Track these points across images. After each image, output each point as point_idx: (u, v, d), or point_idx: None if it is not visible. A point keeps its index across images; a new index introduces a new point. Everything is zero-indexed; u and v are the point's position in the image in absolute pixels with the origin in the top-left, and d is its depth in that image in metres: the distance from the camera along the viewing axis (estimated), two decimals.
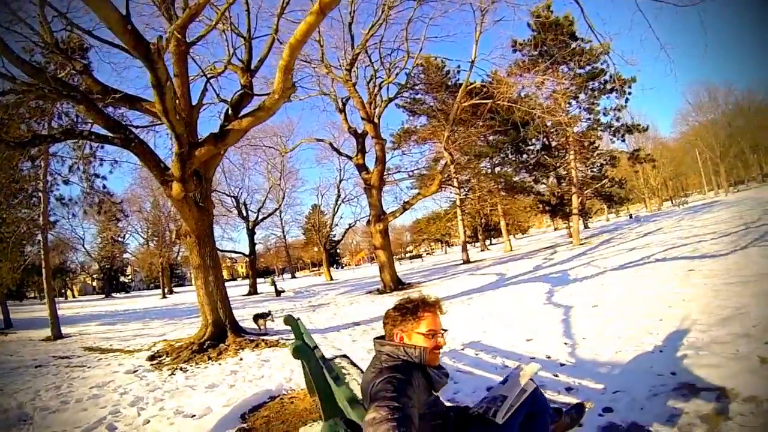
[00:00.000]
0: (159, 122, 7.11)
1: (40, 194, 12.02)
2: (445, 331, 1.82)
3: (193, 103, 7.49)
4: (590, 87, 22.55)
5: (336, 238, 42.36)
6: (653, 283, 7.45)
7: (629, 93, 22.37)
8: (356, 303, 12.78)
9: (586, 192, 23.84)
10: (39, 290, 30.76)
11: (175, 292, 40.43)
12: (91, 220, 32.08)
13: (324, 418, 2.42)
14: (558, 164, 24.48)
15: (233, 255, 36.31)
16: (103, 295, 42.50)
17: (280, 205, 32.84)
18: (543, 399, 2.12)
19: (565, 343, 5.04)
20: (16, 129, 7.42)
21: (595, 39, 6.07)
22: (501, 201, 28.98)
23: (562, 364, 4.25)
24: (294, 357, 2.48)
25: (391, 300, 11.84)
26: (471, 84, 15.98)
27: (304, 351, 2.46)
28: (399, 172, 23.94)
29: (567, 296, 7.91)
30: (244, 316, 8.80)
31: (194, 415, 3.92)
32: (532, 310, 7.28)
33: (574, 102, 22.49)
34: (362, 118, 16.20)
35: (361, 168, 16.97)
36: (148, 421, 3.89)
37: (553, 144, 25.31)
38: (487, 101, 16.00)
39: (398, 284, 15.59)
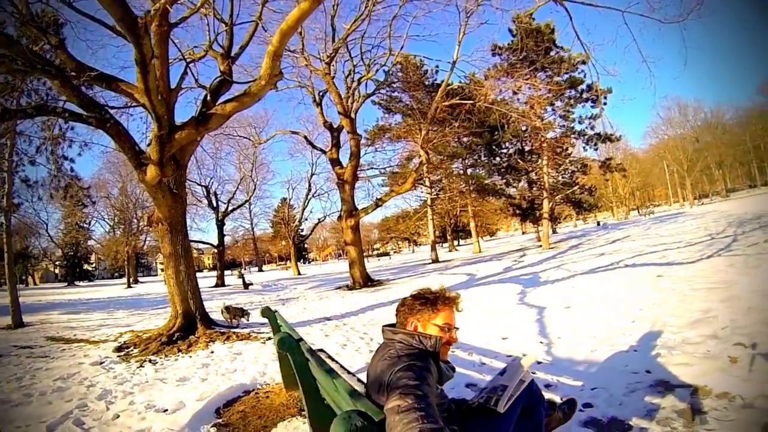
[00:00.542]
0: (134, 104, 6.82)
1: (5, 174, 11.35)
2: (457, 328, 1.80)
3: (172, 87, 7.23)
4: (567, 95, 23.01)
5: (304, 233, 42.00)
6: (624, 287, 7.65)
7: (605, 103, 23.08)
8: (326, 298, 12.67)
9: (557, 197, 24.38)
10: None
11: (141, 282, 39.21)
12: (56, 205, 30.77)
13: (308, 413, 2.33)
14: (530, 168, 24.87)
15: (201, 246, 35.56)
16: (66, 283, 40.89)
17: (250, 197, 32.41)
18: (539, 391, 2.15)
19: (541, 342, 5.13)
20: None
21: (581, 47, 6.23)
22: (472, 202, 29.32)
23: (539, 362, 4.31)
24: (279, 349, 2.38)
25: (361, 296, 12.03)
26: (450, 84, 16.10)
27: (289, 343, 2.37)
28: (371, 168, 24.20)
29: (539, 297, 8.03)
30: (212, 308, 8.56)
31: (166, 410, 3.74)
32: (505, 309, 7.34)
33: (550, 108, 22.89)
34: (339, 113, 16.05)
35: (335, 163, 16.85)
36: (118, 416, 3.68)
37: (527, 148, 25.73)
38: (467, 102, 16.17)
39: (368, 281, 15.55)
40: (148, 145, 7.08)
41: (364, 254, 17.58)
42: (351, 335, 6.69)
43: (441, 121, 19.94)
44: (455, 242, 44.13)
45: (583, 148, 25.22)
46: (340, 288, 15.41)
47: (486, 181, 28.58)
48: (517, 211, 29.02)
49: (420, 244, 66.63)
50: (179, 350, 6.08)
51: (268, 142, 24.88)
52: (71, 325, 10.02)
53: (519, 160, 25.12)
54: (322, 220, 37.10)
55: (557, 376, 3.87)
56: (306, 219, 37.57)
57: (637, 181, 53.87)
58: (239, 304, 10.23)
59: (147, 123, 8.99)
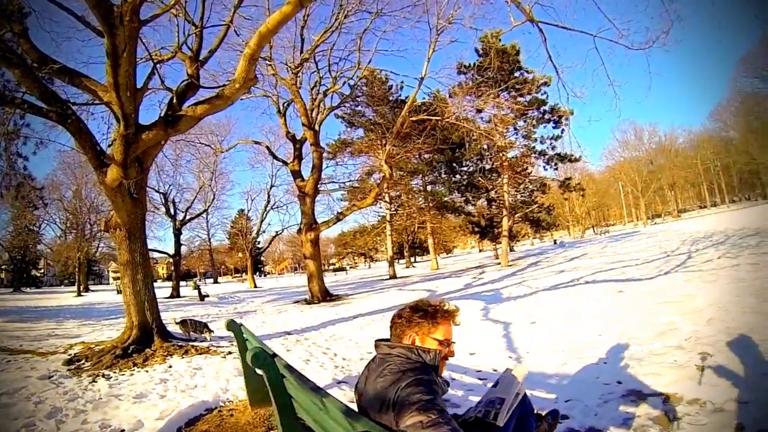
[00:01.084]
0: (97, 102, 6.47)
1: None
2: (454, 342, 1.74)
3: (138, 87, 6.92)
4: (530, 115, 23.69)
5: (261, 246, 41.22)
6: (586, 303, 7.83)
7: (567, 124, 24.01)
8: (285, 312, 12.39)
9: (516, 215, 24.91)
10: None
11: (92, 291, 37.04)
12: (6, 205, 28.83)
13: None
14: (491, 187, 25.31)
15: (155, 255, 34.17)
16: (12, 289, 38.22)
17: (208, 207, 31.69)
18: (530, 403, 2.12)
19: (510, 357, 5.14)
20: None
21: (553, 68, 6.40)
22: (431, 219, 29.51)
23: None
24: (252, 365, 2.19)
25: (321, 311, 11.86)
26: (415, 101, 16.29)
27: (264, 358, 2.20)
28: (332, 182, 23.94)
29: (503, 313, 8.06)
30: (167, 320, 8.12)
31: (123, 430, 3.44)
32: (470, 325, 7.27)
33: (512, 128, 23.46)
34: (303, 124, 15.93)
35: (296, 175, 16.66)
36: None
37: (488, 167, 26.19)
38: (434, 117, 16.41)
39: (326, 295, 15.35)
40: (109, 145, 6.72)
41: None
42: (314, 350, 6.50)
43: (405, 136, 20.11)
44: (412, 259, 44.37)
45: (544, 167, 25.96)
46: (298, 302, 15.16)
47: (446, 198, 28.86)
48: (476, 229, 29.33)
49: (376, 260, 67.19)
50: (135, 364, 5.69)
51: (229, 152, 24.50)
52: (17, 335, 9.23)
53: (480, 178, 25.56)
54: (280, 233, 36.56)
55: (530, 389, 3.83)
56: (264, 231, 36.99)
57: (593, 201, 55.97)
58: (196, 317, 9.81)
59: (109, 123, 8.56)
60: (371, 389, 1.52)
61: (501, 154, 23.33)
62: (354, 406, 1.68)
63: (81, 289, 31.76)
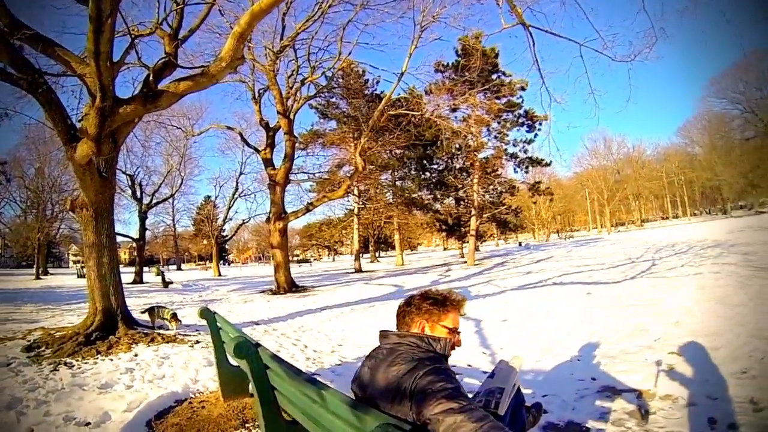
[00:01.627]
0: (69, 74, 6.11)
1: None
2: (460, 332, 1.72)
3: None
4: (504, 117, 23.98)
5: (226, 234, 40.48)
6: (556, 303, 8.02)
7: (539, 129, 24.34)
8: (251, 302, 12.14)
9: (484, 215, 25.21)
10: None
11: (51, 274, 35.29)
12: None
13: (264, 426, 2.09)
14: (460, 186, 25.58)
15: (119, 239, 32.88)
16: None
17: (175, 191, 30.93)
18: (522, 394, 2.13)
19: (484, 353, 5.19)
20: None
21: (537, 72, 6.49)
22: (398, 215, 29.57)
23: (485, 372, 4.31)
24: (235, 356, 2.09)
25: (287, 302, 11.73)
26: (392, 95, 16.30)
27: (248, 349, 2.10)
28: (302, 172, 23.78)
29: (474, 310, 8.04)
30: (131, 306, 7.80)
31: (89, 423, 3.22)
32: None
33: (485, 129, 23.74)
34: (278, 112, 15.61)
35: (268, 163, 16.40)
36: (32, 430, 3.12)
37: (458, 166, 26.44)
38: (412, 113, 16.46)
39: (292, 286, 15.16)
40: (80, 120, 6.38)
41: None
42: (283, 341, 6.37)
43: (379, 130, 20.07)
44: (377, 254, 44.54)
45: (514, 170, 26.38)
46: (264, 292, 14.92)
47: (414, 195, 28.91)
48: (444, 227, 29.44)
49: (340, 253, 66.77)
50: (98, 352, 5.40)
51: (200, 136, 23.94)
52: None
53: (450, 177, 25.75)
54: (247, 222, 36.15)
55: None
56: (230, 219, 36.46)
57: (559, 206, 57.19)
58: (160, 303, 9.51)
59: (80, 97, 8.14)
60: (381, 380, 1.46)
61: (473, 154, 23.57)
62: None
63: (40, 271, 30.28)
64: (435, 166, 27.96)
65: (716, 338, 4.27)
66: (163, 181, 28.57)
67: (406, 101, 18.20)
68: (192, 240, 52.19)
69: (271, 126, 16.54)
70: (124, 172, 24.40)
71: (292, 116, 16.07)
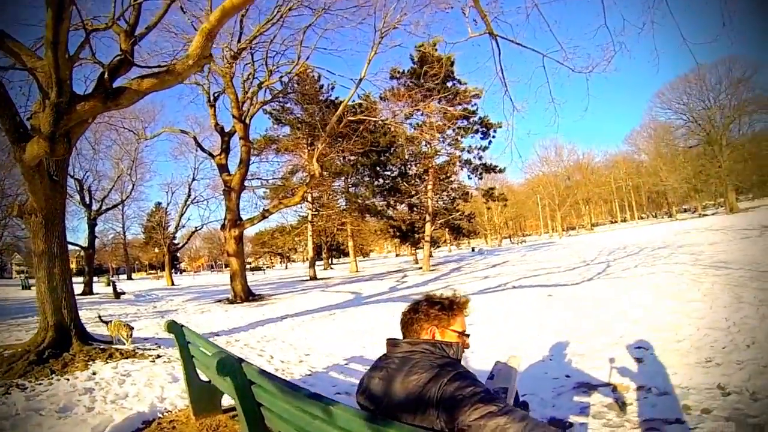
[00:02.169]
0: (18, 67, 5.65)
1: None
2: (468, 335, 1.68)
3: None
4: (459, 125, 24.28)
5: (177, 241, 39.16)
6: (518, 306, 8.20)
7: (494, 136, 25.15)
8: (208, 312, 11.75)
9: (438, 221, 25.51)
10: None
11: None
12: None
13: None
14: (414, 192, 25.79)
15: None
16: None
17: (126, 197, 29.78)
18: (518, 394, 2.13)
19: None
20: None
21: (501, 81, 6.66)
22: (352, 221, 29.61)
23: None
24: (219, 374, 1.97)
25: (246, 311, 11.45)
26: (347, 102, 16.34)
27: (231, 365, 1.98)
28: (256, 178, 23.49)
29: None
30: (83, 320, 7.25)
31: None
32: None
33: (440, 135, 23.81)
34: (233, 116, 15.31)
35: (223, 168, 16.07)
36: None
37: (411, 172, 26.72)
38: (372, 119, 16.55)
39: (249, 295, 14.82)
40: (29, 118, 5.93)
41: None
42: (247, 352, 6.16)
43: (335, 136, 20.08)
44: (330, 260, 44.48)
45: (468, 176, 26.89)
46: (220, 301, 14.47)
47: (368, 201, 28.92)
48: (397, 233, 29.57)
49: (293, 261, 65.98)
50: (53, 371, 4.96)
51: (152, 140, 23.07)
52: None
53: (403, 183, 25.96)
54: (200, 229, 34.76)
55: None
56: (183, 226, 35.08)
57: (511, 212, 59.06)
58: (113, 316, 9.12)
59: (29, 94, 7.61)
60: (400, 390, 1.40)
61: (427, 161, 23.91)
62: None
63: None
64: (389, 173, 28.04)
65: (678, 332, 4.52)
66: (113, 186, 27.10)
67: (361, 107, 18.39)
68: (143, 248, 50.25)
69: (226, 131, 16.18)
70: (72, 176, 22.94)
71: (248, 121, 15.77)
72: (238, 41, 14.10)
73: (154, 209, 40.49)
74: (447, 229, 30.84)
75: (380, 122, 16.17)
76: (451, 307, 1.63)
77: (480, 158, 25.51)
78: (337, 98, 26.56)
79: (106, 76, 6.07)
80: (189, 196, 31.08)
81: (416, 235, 27.88)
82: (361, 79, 14.51)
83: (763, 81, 38.71)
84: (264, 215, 16.29)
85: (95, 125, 19.91)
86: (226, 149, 16.22)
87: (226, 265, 16.56)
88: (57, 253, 6.33)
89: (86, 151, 23.43)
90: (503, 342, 5.59)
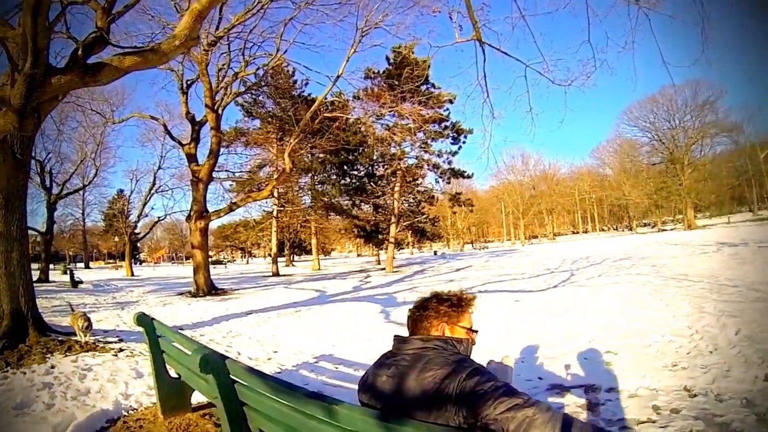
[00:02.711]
0: None
1: None
2: (476, 331, 1.69)
3: None
4: (430, 129, 24.65)
5: (138, 231, 37.99)
6: (485, 310, 8.18)
7: (464, 142, 25.68)
8: (170, 305, 11.45)
9: (403, 223, 25.87)
10: None
11: None
12: None
13: None
14: (380, 193, 26.10)
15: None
16: None
17: (89, 183, 28.78)
18: None
19: None
20: None
21: (483, 89, 6.78)
22: (316, 219, 29.62)
23: None
24: (202, 371, 1.87)
25: (209, 305, 11.24)
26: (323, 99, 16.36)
27: (215, 363, 1.87)
28: (224, 171, 23.18)
29: (402, 317, 8.16)
30: (40, 309, 6.85)
31: None
32: (373, 327, 7.27)
33: (410, 138, 24.24)
34: (206, 105, 15.05)
35: (192, 158, 15.77)
36: None
37: (378, 173, 27.02)
38: (346, 116, 16.58)
39: (212, 289, 14.63)
40: None
41: None
42: (214, 348, 5.97)
43: (307, 133, 19.98)
44: (291, 257, 44.32)
45: (435, 180, 27.36)
46: (183, 294, 14.19)
47: (334, 200, 29.01)
48: (361, 233, 29.64)
49: (254, 256, 65.68)
50: (8, 363, 4.64)
51: (120, 124, 22.39)
52: None
53: (371, 183, 26.15)
54: (163, 219, 34.16)
55: None
56: (146, 215, 34.16)
57: (475, 218, 59.74)
58: (74, 306, 8.76)
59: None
60: (414, 387, 1.38)
61: (396, 162, 24.15)
62: None
63: None
64: (356, 172, 28.20)
65: (644, 338, 4.74)
66: (76, 170, 26.07)
67: (333, 105, 18.40)
68: (102, 236, 48.86)
69: (197, 120, 15.86)
70: (34, 157, 21.73)
71: (220, 111, 15.56)
72: (216, 29, 13.77)
73: (116, 196, 39.07)
74: (411, 232, 30.92)
75: (353, 121, 16.14)
76: (459, 303, 1.64)
77: (449, 163, 25.96)
78: (309, 95, 26.51)
79: (80, 52, 5.79)
80: (154, 184, 30.16)
81: (380, 236, 27.99)
82: (338, 76, 14.53)
83: (726, 106, 41.53)
84: (231, 208, 16.13)
85: (62, 105, 18.96)
86: (196, 138, 15.93)
87: (188, 257, 16.03)
88: (16, 236, 6.00)
89: (50, 132, 22.31)
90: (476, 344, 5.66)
